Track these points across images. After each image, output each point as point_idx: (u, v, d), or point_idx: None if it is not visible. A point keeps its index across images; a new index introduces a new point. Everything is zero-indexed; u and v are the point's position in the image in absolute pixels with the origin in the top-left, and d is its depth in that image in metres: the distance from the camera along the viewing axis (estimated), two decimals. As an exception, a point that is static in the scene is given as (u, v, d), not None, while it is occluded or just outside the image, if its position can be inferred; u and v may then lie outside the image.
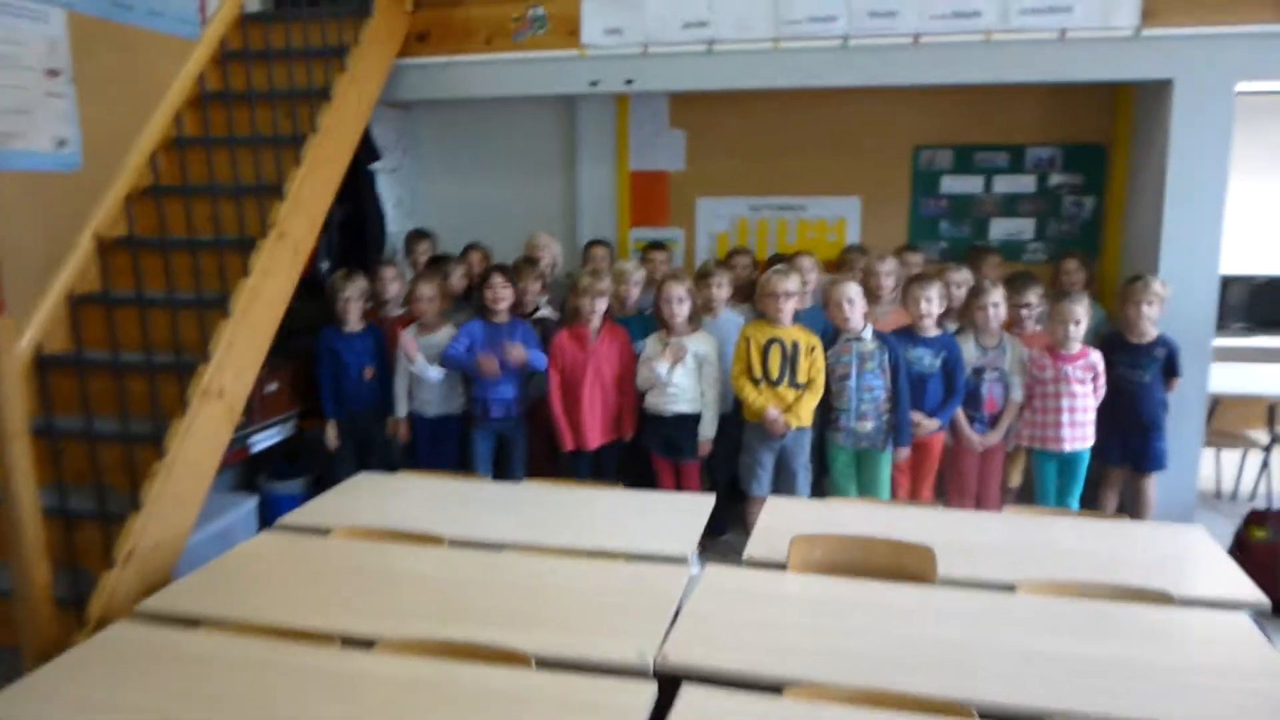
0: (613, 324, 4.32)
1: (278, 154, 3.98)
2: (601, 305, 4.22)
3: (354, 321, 4.49)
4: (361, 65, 4.45)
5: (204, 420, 3.46)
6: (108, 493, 3.17)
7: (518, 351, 4.23)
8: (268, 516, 4.51)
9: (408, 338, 4.34)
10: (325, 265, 4.78)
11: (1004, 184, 5.13)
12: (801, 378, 4.04)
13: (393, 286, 4.77)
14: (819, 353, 4.06)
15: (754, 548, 2.75)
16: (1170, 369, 4.10)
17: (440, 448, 4.56)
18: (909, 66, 4.42)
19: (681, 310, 4.17)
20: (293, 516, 3.07)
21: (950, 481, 4.33)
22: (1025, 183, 5.11)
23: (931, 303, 4.09)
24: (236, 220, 3.77)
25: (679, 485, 4.40)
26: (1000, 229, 5.17)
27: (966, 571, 2.56)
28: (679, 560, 2.70)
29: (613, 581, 2.54)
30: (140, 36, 4.31)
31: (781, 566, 2.64)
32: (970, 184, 5.16)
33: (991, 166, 5.13)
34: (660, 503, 3.27)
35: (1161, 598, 2.42)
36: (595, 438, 4.30)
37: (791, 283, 4.05)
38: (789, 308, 4.04)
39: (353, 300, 4.44)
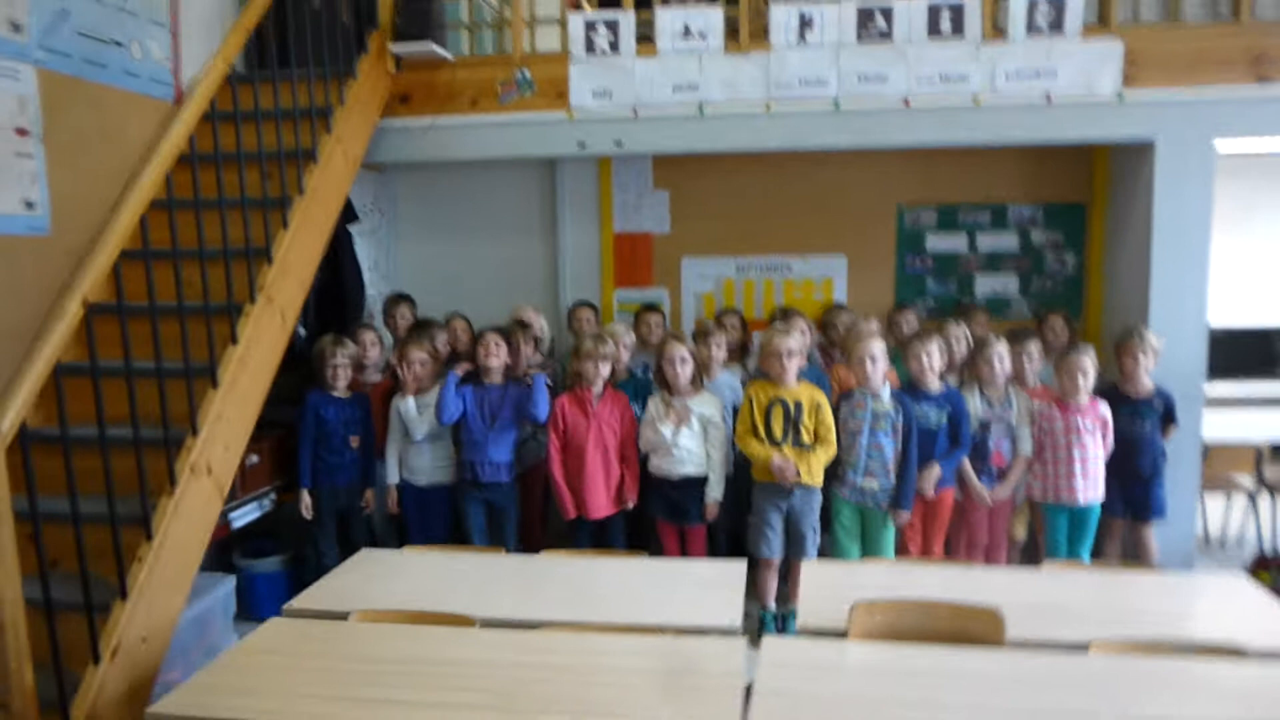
0: (613, 388, 4.20)
1: (265, 216, 3.81)
2: (605, 369, 4.10)
3: (342, 388, 4.29)
4: (346, 126, 4.33)
5: (192, 498, 3.23)
6: (92, 580, 2.89)
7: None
8: (246, 597, 4.22)
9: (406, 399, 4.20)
10: (302, 332, 4.57)
11: (987, 242, 5.21)
12: (806, 437, 3.95)
13: (373, 351, 4.60)
14: (826, 410, 3.98)
15: (807, 616, 2.62)
16: (1169, 418, 4.14)
17: (429, 518, 4.37)
18: (900, 129, 4.47)
19: (685, 371, 4.07)
20: (303, 600, 2.85)
21: (959, 537, 4.26)
22: (1008, 240, 5.19)
23: (932, 357, 4.07)
24: (224, 285, 3.57)
25: (684, 550, 4.25)
26: (985, 286, 5.23)
27: (1033, 632, 2.47)
28: (729, 632, 2.56)
29: (667, 659, 2.37)
30: (112, 96, 4.10)
31: (841, 634, 2.51)
32: (955, 242, 5.22)
33: (975, 224, 5.21)
34: (689, 570, 3.13)
35: (1234, 651, 2.35)
36: (600, 506, 4.13)
37: (794, 341, 3.99)
38: (793, 366, 3.97)
39: (342, 366, 4.26)
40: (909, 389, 4.16)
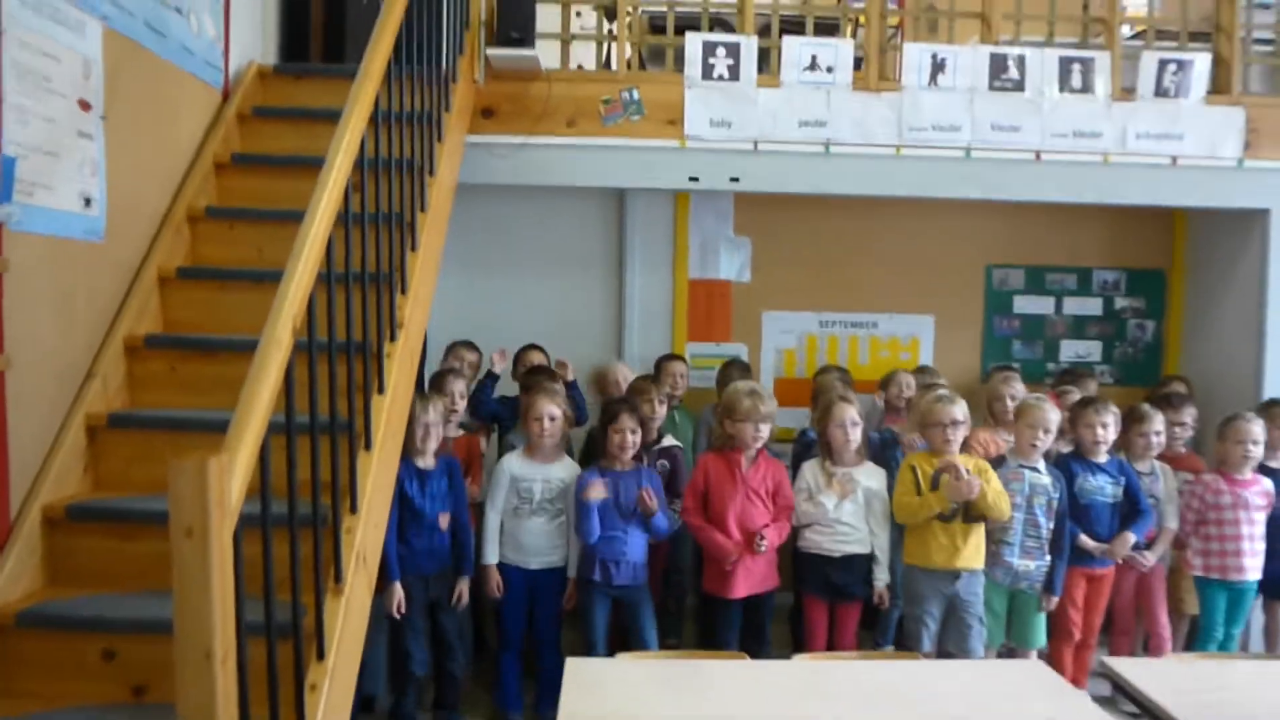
0: (771, 457, 3.67)
1: (379, 234, 3.05)
2: (766, 432, 3.57)
3: (431, 454, 3.52)
4: (452, 137, 3.64)
5: (358, 600, 2.43)
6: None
7: (653, 502, 3.51)
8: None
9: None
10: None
11: (1072, 306, 5.09)
12: (975, 510, 3.56)
13: (462, 405, 3.86)
14: (994, 475, 3.61)
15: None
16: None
17: (540, 609, 3.62)
18: (1029, 183, 4.28)
19: (855, 437, 3.61)
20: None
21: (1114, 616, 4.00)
22: (1092, 305, 5.10)
23: (1108, 429, 3.81)
24: (344, 315, 2.79)
25: (832, 631, 3.73)
26: (1069, 350, 5.09)
27: None
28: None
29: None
30: (169, 74, 3.27)
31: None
32: (1042, 304, 5.08)
33: (1061, 288, 5.08)
34: (989, 675, 2.63)
35: None
36: (744, 583, 3.56)
37: (959, 410, 3.61)
38: (958, 437, 3.59)
39: (434, 427, 3.49)
40: (1076, 459, 3.86)
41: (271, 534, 1.95)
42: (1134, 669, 2.59)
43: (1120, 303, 5.09)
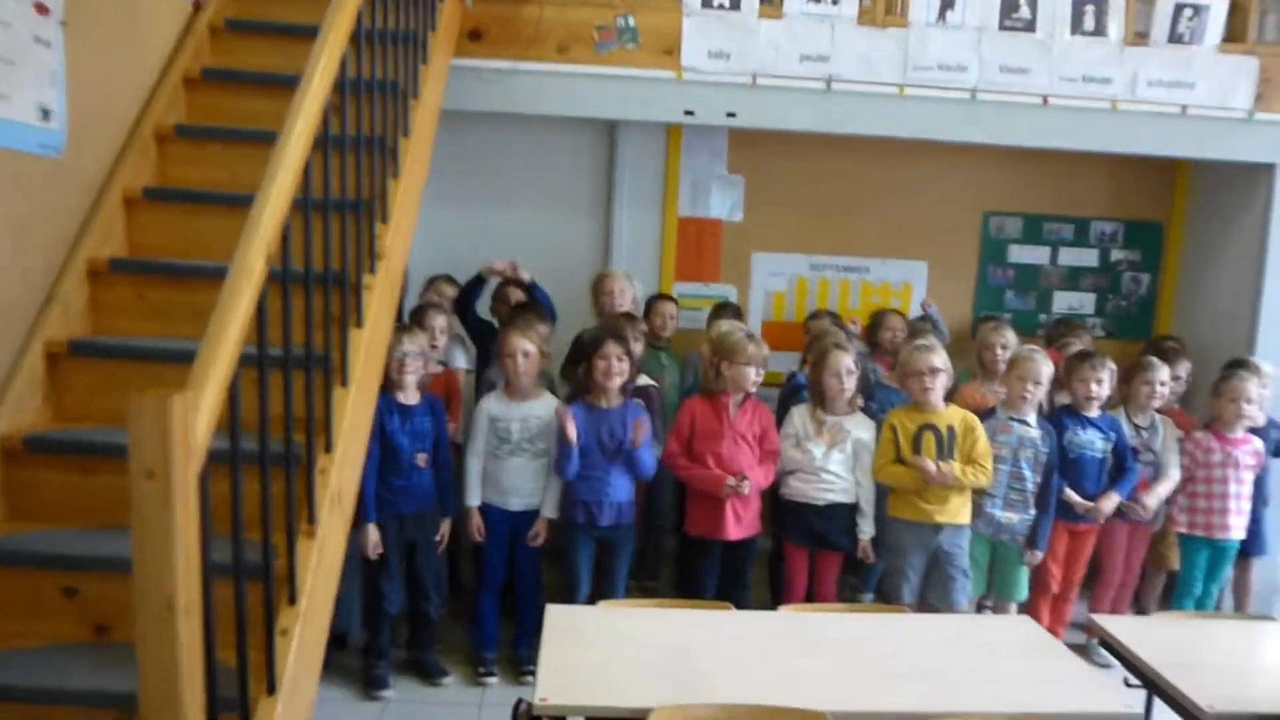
0: (758, 400, 3.58)
1: (359, 159, 2.88)
2: (756, 377, 3.48)
3: (412, 389, 3.41)
4: (438, 59, 3.45)
5: (332, 541, 2.34)
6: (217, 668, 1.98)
7: (640, 432, 3.40)
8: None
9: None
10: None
11: (1068, 256, 5.00)
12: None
13: (443, 341, 3.74)
14: (981, 432, 3.56)
15: (1204, 697, 2.14)
16: (1277, 451, 4.03)
17: (522, 551, 3.55)
18: (1035, 129, 4.14)
19: (850, 386, 3.53)
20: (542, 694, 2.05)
21: (1101, 568, 4.00)
22: (1088, 256, 5.00)
23: (1103, 385, 3.76)
24: (321, 244, 2.64)
25: (812, 584, 3.70)
26: (1062, 302, 5.01)
27: None
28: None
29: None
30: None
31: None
32: (1038, 254, 4.98)
33: (1058, 238, 4.98)
34: (978, 631, 2.60)
35: None
36: (735, 526, 3.51)
37: (939, 358, 3.53)
38: (939, 386, 3.52)
39: (413, 360, 3.37)
40: (1068, 413, 3.81)
41: (241, 473, 1.85)
42: (1120, 626, 2.56)
43: (1116, 255, 5.00)
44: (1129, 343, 4.79)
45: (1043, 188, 4.92)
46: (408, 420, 3.39)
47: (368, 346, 2.62)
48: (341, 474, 2.42)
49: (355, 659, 3.61)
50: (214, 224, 2.91)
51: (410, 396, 3.41)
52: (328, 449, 2.37)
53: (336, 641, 3.68)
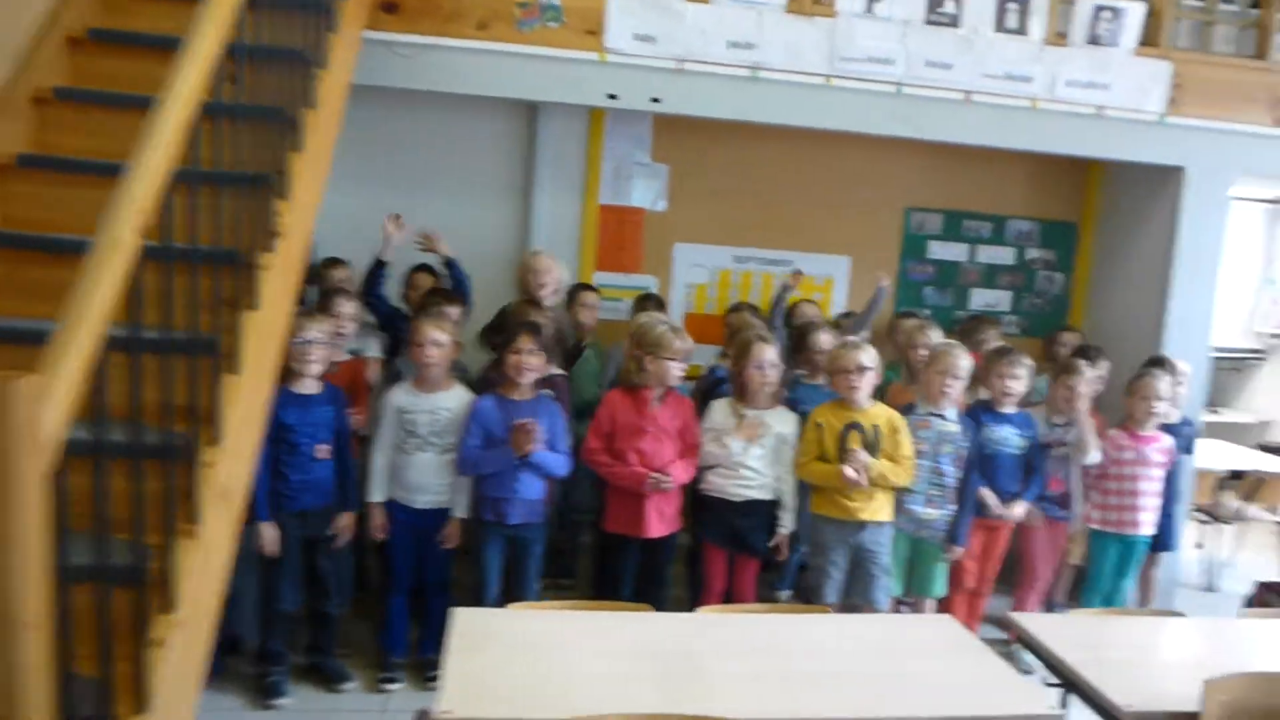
0: (679, 393, 3.49)
1: (258, 132, 2.68)
2: (679, 372, 3.38)
3: (315, 377, 3.22)
4: (348, 29, 3.26)
5: (218, 540, 2.16)
6: (76, 684, 1.79)
7: (537, 440, 3.26)
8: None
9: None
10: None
11: (986, 254, 5.04)
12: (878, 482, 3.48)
13: (351, 327, 3.55)
14: (906, 432, 3.54)
15: (1120, 695, 2.13)
16: (1187, 449, 4.14)
17: (428, 551, 3.39)
18: (959, 124, 4.14)
19: (773, 378, 3.46)
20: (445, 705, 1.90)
21: (1020, 567, 4.04)
22: (1005, 254, 5.06)
23: (1019, 381, 3.78)
24: (212, 221, 2.44)
25: (730, 583, 3.63)
26: (979, 299, 5.05)
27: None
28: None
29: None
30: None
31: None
32: (957, 251, 5.01)
33: (976, 236, 5.02)
34: (904, 631, 2.55)
35: None
36: (657, 523, 3.41)
37: (868, 356, 3.50)
38: (866, 384, 3.49)
39: (318, 347, 3.18)
40: (984, 410, 3.82)
41: (111, 470, 1.66)
42: (1038, 624, 2.55)
43: (1032, 253, 5.07)
44: (1042, 340, 4.85)
45: (963, 185, 4.96)
46: (307, 411, 3.19)
47: (263, 331, 2.43)
48: (231, 468, 2.23)
49: (250, 665, 3.40)
50: (95, 195, 2.66)
51: (310, 386, 3.22)
52: (215, 441, 2.19)
53: (230, 646, 3.47)
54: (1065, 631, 2.51)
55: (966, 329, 4.65)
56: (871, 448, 3.44)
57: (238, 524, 2.34)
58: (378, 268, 3.93)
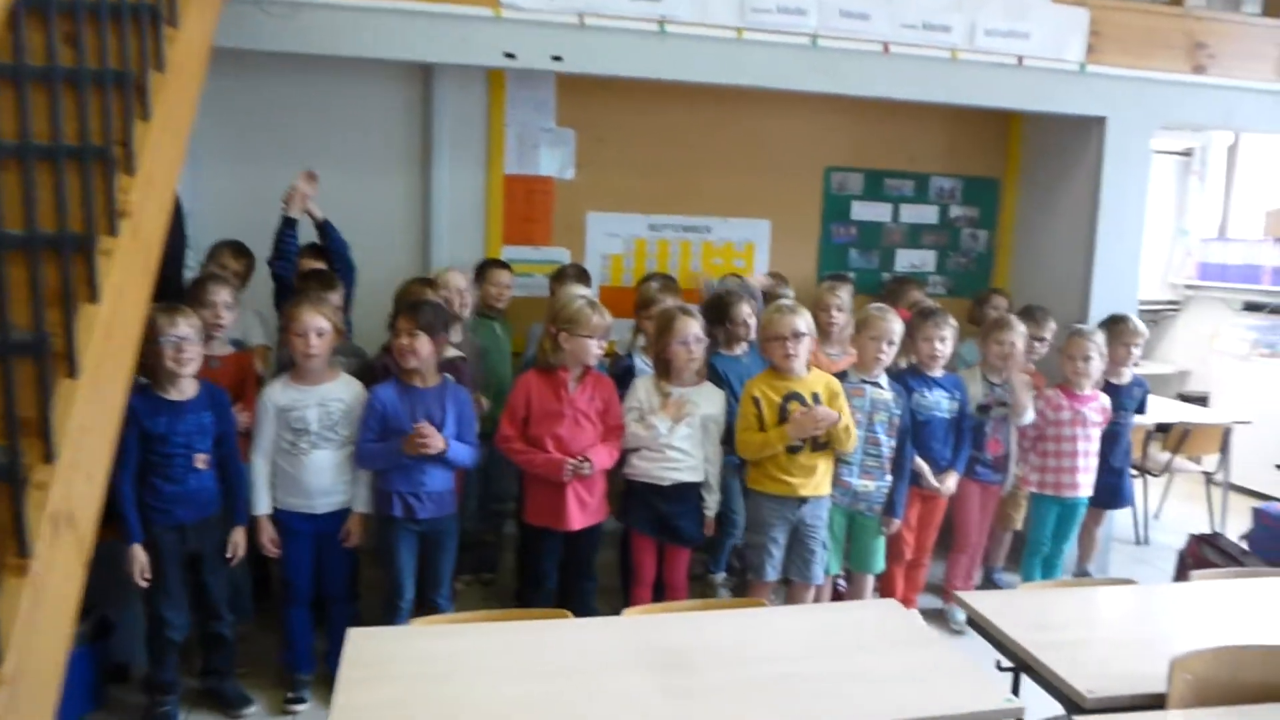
0: (598, 373, 3.24)
1: (87, 98, 2.31)
2: (599, 350, 3.13)
3: (189, 379, 2.87)
4: (203, -18, 2.89)
5: (55, 575, 1.84)
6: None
7: (434, 440, 3.00)
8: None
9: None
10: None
11: (910, 213, 4.89)
12: (824, 436, 3.31)
13: (228, 316, 3.20)
14: (844, 399, 3.36)
15: (1082, 681, 1.97)
16: (1140, 409, 4.07)
17: (329, 558, 3.10)
18: (877, 78, 3.95)
19: (699, 355, 3.24)
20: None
21: (952, 532, 3.91)
22: (928, 213, 4.91)
23: (946, 343, 3.63)
24: (56, 203, 2.11)
25: (660, 571, 3.43)
26: (904, 260, 4.91)
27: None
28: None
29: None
30: None
31: (1153, 705, 1.91)
32: (880, 211, 4.84)
33: (899, 195, 4.86)
34: (847, 619, 2.36)
35: None
36: (579, 514, 3.18)
37: (803, 320, 3.30)
38: (803, 352, 3.29)
39: (188, 345, 2.82)
40: (912, 373, 3.67)
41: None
42: (986, 603, 2.38)
43: (955, 211, 4.94)
44: (968, 300, 4.74)
45: (884, 142, 4.79)
46: (178, 419, 2.83)
47: (107, 326, 2.10)
48: (70, 488, 1.91)
49: (139, 693, 3.07)
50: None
51: (183, 390, 2.86)
52: (49, 458, 1.87)
53: (117, 674, 3.16)
54: (1015, 609, 2.35)
55: (891, 291, 4.52)
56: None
57: (86, 551, 2.02)
58: (286, 227, 3.55)
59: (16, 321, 1.88)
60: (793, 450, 3.21)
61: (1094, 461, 3.79)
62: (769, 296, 3.87)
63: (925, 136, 4.84)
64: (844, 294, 4.15)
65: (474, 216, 4.37)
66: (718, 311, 3.77)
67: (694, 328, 3.22)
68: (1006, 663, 2.22)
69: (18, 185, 2.02)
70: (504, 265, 4.09)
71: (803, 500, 3.25)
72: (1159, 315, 6.63)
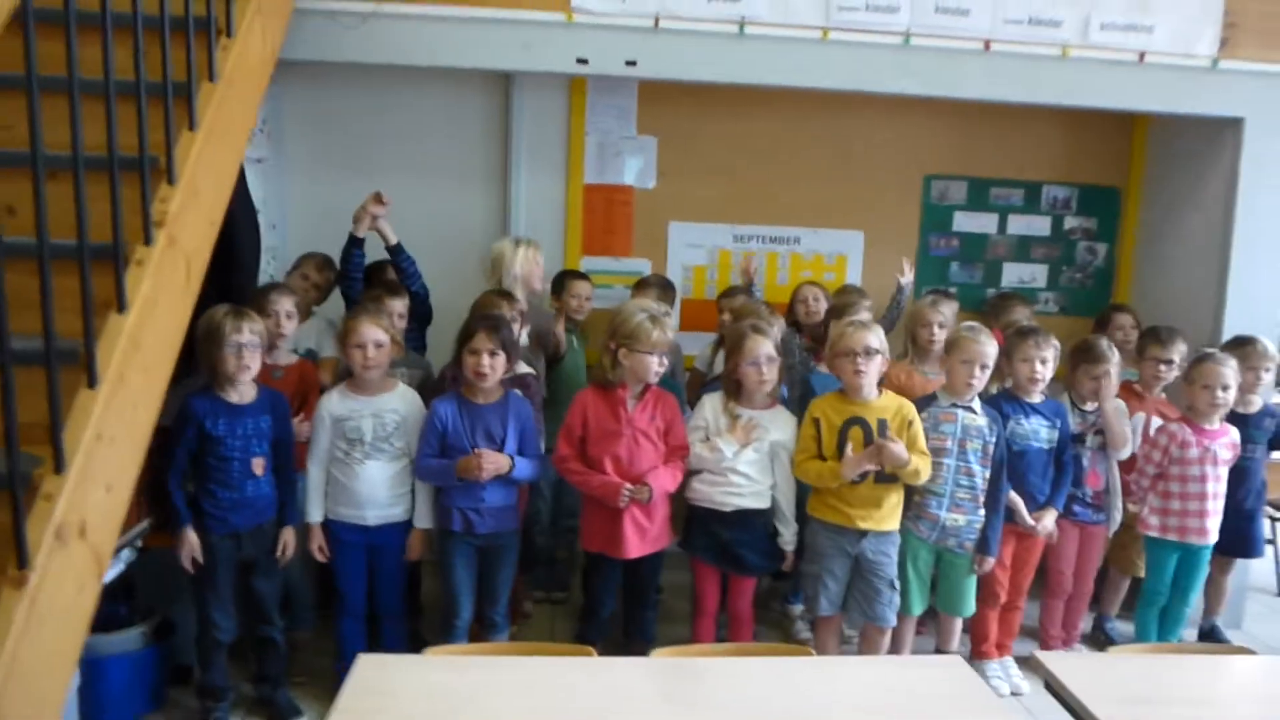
0: (660, 390, 3.09)
1: (141, 110, 2.31)
2: (660, 367, 2.98)
3: (248, 384, 2.88)
4: (268, -7, 2.90)
5: (57, 589, 1.81)
6: None
7: (497, 461, 2.92)
8: (89, 692, 2.74)
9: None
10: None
11: (1018, 225, 4.53)
12: (890, 469, 3.05)
13: (289, 325, 3.21)
14: (918, 424, 3.09)
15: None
16: (1275, 443, 3.62)
17: (382, 572, 3.05)
18: (977, 78, 3.66)
19: (771, 376, 3.04)
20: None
21: (1048, 577, 3.57)
22: (1040, 224, 4.54)
23: (1047, 365, 3.31)
24: (90, 214, 2.10)
25: (723, 604, 3.24)
26: (1012, 274, 4.55)
27: None
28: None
29: None
30: None
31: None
32: (984, 222, 4.50)
33: (1006, 204, 4.51)
34: (906, 674, 2.12)
35: None
36: (637, 542, 3.02)
37: (875, 337, 3.05)
38: (874, 370, 3.04)
39: (249, 350, 2.83)
40: (1006, 397, 3.36)
41: None
42: (1067, 667, 2.09)
43: (1070, 222, 4.54)
44: (1084, 319, 4.35)
45: (989, 148, 4.45)
46: (238, 422, 2.84)
47: (133, 336, 2.08)
48: (81, 499, 1.88)
49: (195, 697, 3.09)
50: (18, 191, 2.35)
51: (244, 393, 2.88)
52: (59, 468, 1.85)
53: (180, 675, 3.18)
54: (1101, 677, 2.06)
55: (995, 307, 4.19)
56: (879, 445, 3.01)
57: (102, 563, 2.00)
58: (352, 245, 3.57)
59: (32, 330, 1.87)
60: (854, 481, 2.97)
61: (1222, 504, 3.38)
62: (841, 310, 3.60)
63: (1036, 142, 4.47)
64: (947, 310, 3.86)
65: (553, 227, 4.29)
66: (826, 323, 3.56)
67: (766, 347, 3.02)
68: (1080, 738, 1.94)
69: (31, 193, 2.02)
70: (583, 276, 3.98)
71: (862, 534, 3.01)
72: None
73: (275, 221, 4.04)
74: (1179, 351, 3.60)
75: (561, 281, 3.93)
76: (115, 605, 3.02)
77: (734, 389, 3.09)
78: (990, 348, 3.14)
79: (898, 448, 2.91)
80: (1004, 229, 4.52)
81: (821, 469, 3.00)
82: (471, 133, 4.26)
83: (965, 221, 4.49)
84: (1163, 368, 3.58)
